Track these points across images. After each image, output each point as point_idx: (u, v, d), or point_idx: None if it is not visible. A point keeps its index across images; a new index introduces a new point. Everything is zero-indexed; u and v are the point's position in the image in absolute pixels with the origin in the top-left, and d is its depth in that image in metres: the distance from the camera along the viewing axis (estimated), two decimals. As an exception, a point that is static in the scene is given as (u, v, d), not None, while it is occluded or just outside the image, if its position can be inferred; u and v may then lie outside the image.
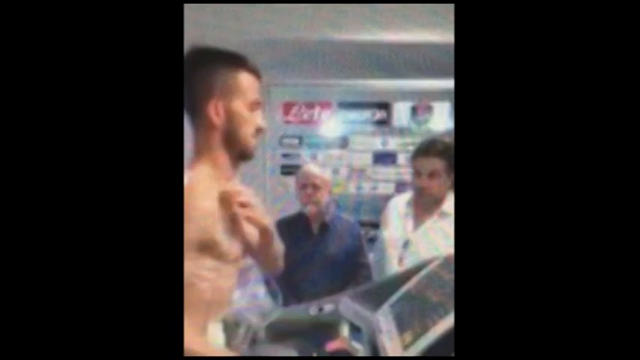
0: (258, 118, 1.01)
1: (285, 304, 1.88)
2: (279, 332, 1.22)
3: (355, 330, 1.07)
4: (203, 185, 0.93)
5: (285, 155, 2.94)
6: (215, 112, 0.95)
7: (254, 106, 1.00)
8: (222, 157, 0.99)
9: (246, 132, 0.99)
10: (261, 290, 2.23)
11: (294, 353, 1.24)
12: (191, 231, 0.85)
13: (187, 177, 0.91)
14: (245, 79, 0.98)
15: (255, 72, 1.00)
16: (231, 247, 0.96)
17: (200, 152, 0.98)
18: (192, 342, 0.82)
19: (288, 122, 2.92)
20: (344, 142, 2.91)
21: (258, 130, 1.01)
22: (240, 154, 1.01)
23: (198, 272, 0.88)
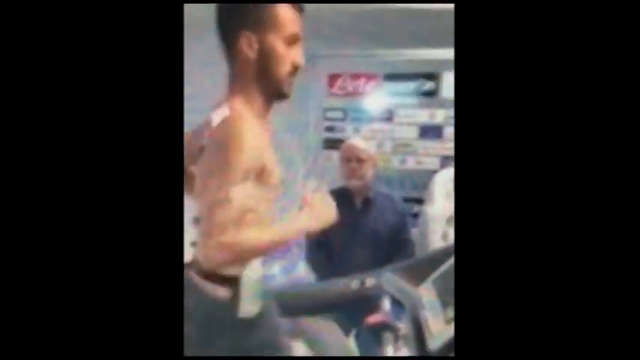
0: (296, 55, 0.95)
1: (327, 277, 1.90)
2: (320, 305, 1.23)
3: (397, 304, 1.06)
4: (244, 116, 0.89)
5: (328, 129, 2.91)
6: (248, 45, 0.91)
7: (292, 40, 0.94)
8: (256, 94, 0.95)
9: (281, 69, 0.94)
10: (300, 265, 2.25)
11: (334, 326, 1.25)
12: (241, 161, 0.82)
13: (223, 111, 0.89)
14: (282, 11, 0.92)
15: (294, 4, 0.94)
16: (274, 172, 0.93)
17: (234, 86, 0.95)
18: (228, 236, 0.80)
19: (332, 95, 2.87)
20: (389, 115, 2.84)
21: (296, 68, 0.95)
22: (274, 92, 0.96)
23: (247, 201, 0.85)
